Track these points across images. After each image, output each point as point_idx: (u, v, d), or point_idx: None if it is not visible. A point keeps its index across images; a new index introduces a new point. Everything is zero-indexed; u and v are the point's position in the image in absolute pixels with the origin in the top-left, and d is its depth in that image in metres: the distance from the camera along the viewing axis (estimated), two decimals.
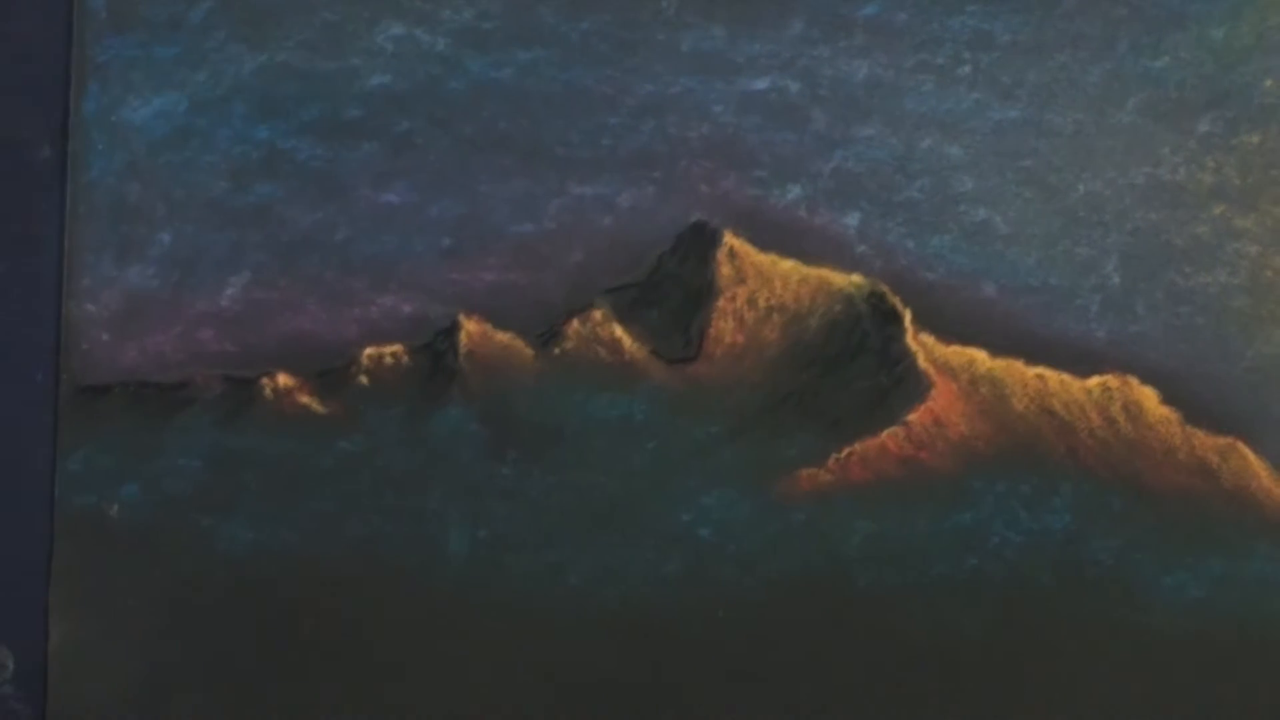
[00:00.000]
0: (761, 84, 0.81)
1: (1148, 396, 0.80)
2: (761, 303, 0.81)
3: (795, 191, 0.81)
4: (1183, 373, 0.80)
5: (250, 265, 0.81)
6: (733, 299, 0.81)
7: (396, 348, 0.81)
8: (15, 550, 0.80)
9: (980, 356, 0.80)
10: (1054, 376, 0.80)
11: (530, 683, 0.80)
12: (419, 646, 0.80)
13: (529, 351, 0.81)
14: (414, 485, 0.80)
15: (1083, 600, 0.79)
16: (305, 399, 0.81)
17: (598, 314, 0.81)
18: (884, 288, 0.80)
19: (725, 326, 0.81)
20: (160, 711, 0.80)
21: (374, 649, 0.80)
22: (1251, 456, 0.79)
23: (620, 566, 0.80)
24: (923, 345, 0.80)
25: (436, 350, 0.81)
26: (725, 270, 0.81)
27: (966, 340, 0.80)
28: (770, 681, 0.79)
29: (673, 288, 0.81)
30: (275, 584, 0.80)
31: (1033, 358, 0.80)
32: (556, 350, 0.81)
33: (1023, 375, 0.80)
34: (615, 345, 0.81)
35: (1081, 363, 0.80)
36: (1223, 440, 0.79)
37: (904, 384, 0.80)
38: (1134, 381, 0.80)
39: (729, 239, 0.81)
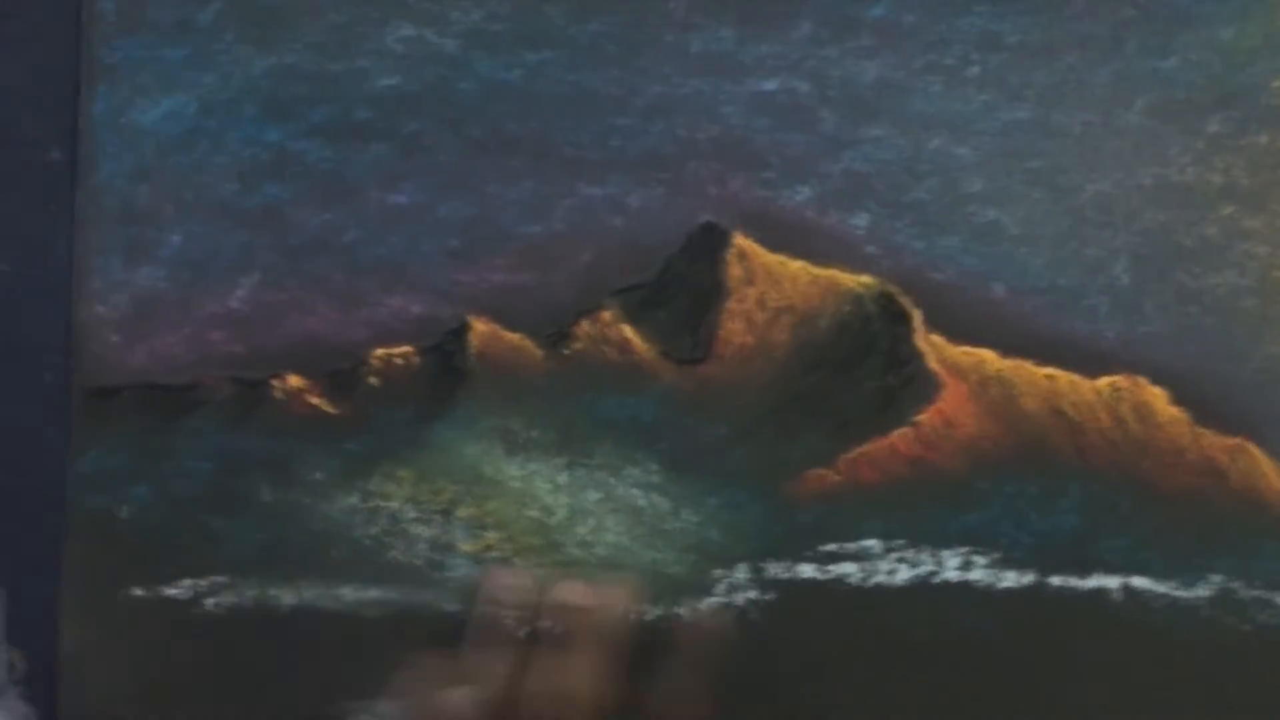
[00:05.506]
0: (770, 85, 0.81)
1: (1157, 397, 0.80)
2: (771, 303, 0.81)
3: (804, 192, 0.81)
4: (1192, 373, 0.80)
5: (260, 266, 0.81)
6: (742, 300, 0.81)
7: (406, 349, 0.81)
8: (26, 551, 0.80)
9: (989, 357, 0.80)
10: (1063, 377, 0.80)
11: None
12: (428, 650, 0.80)
13: (538, 352, 0.81)
14: (423, 486, 0.80)
15: (1091, 600, 0.79)
16: (315, 400, 0.81)
17: (607, 315, 0.81)
18: (893, 288, 0.80)
19: (734, 327, 0.81)
20: (170, 713, 0.80)
21: (383, 652, 0.80)
22: (1260, 456, 0.79)
23: (628, 568, 0.80)
24: (932, 346, 0.80)
25: (446, 351, 0.81)
26: (734, 271, 0.81)
27: (976, 341, 0.80)
28: (779, 683, 0.79)
29: (682, 289, 0.81)
30: (285, 586, 0.80)
31: (1042, 358, 0.80)
32: (566, 351, 0.81)
33: (1032, 376, 0.80)
34: (624, 346, 0.81)
35: (1090, 363, 0.80)
36: (1231, 440, 0.79)
37: (913, 384, 0.80)
38: (1143, 382, 0.80)
39: (738, 240, 0.81)
